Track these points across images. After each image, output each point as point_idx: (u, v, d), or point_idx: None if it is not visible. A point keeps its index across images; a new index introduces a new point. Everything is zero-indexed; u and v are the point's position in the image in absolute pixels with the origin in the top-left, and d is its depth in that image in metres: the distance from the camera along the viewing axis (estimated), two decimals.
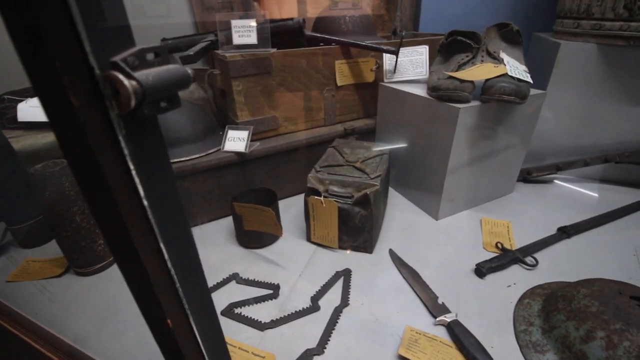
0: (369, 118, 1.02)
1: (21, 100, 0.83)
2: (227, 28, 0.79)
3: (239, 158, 0.82)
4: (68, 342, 0.55)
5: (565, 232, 0.77)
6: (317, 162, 0.77)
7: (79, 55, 0.15)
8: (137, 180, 0.19)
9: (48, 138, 0.79)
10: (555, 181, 1.01)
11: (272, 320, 0.58)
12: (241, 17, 0.79)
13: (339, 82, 0.93)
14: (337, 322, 0.58)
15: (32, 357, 0.56)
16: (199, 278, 0.28)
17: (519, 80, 0.71)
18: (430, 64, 0.88)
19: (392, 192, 0.97)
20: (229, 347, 0.52)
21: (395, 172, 0.94)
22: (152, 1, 1.15)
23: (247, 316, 0.59)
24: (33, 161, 0.68)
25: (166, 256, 0.23)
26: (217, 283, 0.67)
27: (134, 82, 0.16)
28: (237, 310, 0.61)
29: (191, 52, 0.77)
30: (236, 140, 0.82)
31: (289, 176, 0.93)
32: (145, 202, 0.20)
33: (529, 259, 0.70)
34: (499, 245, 0.73)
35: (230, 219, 0.81)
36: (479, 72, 0.73)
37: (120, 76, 0.16)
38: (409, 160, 0.89)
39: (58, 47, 0.15)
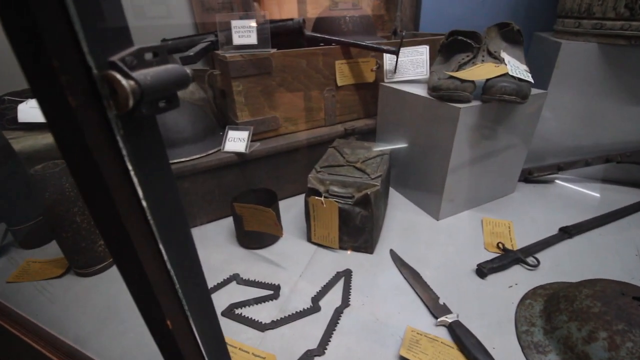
0: (370, 118, 1.02)
1: (21, 101, 0.83)
2: (227, 28, 0.79)
3: (239, 158, 0.82)
4: (68, 342, 0.55)
5: (566, 232, 0.77)
6: (317, 162, 0.77)
7: (77, 55, 0.15)
8: (135, 180, 0.19)
9: (48, 139, 0.79)
10: (557, 181, 1.01)
11: (272, 321, 0.58)
12: (241, 18, 0.78)
13: (339, 82, 0.93)
14: (337, 323, 0.58)
15: (33, 358, 0.56)
16: (198, 279, 0.28)
17: (520, 80, 0.71)
18: (431, 64, 0.88)
19: (392, 192, 0.97)
20: (229, 347, 0.52)
21: (395, 172, 0.94)
22: (152, 2, 1.15)
23: (248, 317, 0.59)
24: (33, 162, 0.68)
25: (165, 257, 0.23)
26: (218, 284, 0.67)
27: (132, 82, 0.16)
28: (238, 311, 0.61)
29: (191, 52, 0.77)
30: (236, 141, 0.82)
31: (290, 176, 0.92)
32: (144, 203, 0.20)
33: (530, 259, 0.69)
34: (500, 245, 0.73)
35: (230, 219, 0.81)
36: (480, 71, 0.73)
37: (118, 76, 0.16)
38: (409, 161, 0.89)
39: (55, 47, 0.15)
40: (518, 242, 0.75)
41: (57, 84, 0.15)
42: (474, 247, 0.75)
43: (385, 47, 0.89)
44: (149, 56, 0.18)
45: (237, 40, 0.79)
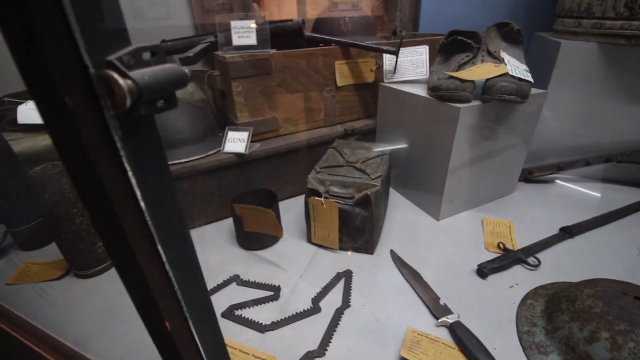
0: (369, 118, 1.01)
1: (21, 103, 0.83)
2: (227, 29, 0.79)
3: (239, 159, 0.82)
4: (68, 344, 0.55)
5: (567, 232, 0.77)
6: (317, 163, 0.77)
7: (73, 54, 0.15)
8: (133, 181, 0.19)
9: (48, 140, 0.79)
10: (557, 181, 1.00)
11: (272, 322, 0.58)
12: (241, 19, 0.78)
13: (339, 83, 0.93)
14: (338, 324, 0.58)
15: None
16: (197, 280, 0.28)
17: (520, 79, 0.71)
18: (431, 64, 0.88)
19: (392, 192, 0.97)
20: (229, 349, 0.52)
21: (395, 172, 0.94)
22: (152, 4, 1.15)
23: (248, 318, 0.59)
24: (33, 163, 0.68)
25: (164, 258, 0.22)
26: (218, 285, 0.66)
27: (129, 81, 0.16)
28: (238, 312, 0.60)
29: (191, 53, 0.77)
30: (236, 142, 0.81)
31: (289, 177, 0.92)
32: (142, 204, 0.20)
33: (531, 259, 0.69)
34: (501, 245, 0.73)
35: (230, 220, 0.81)
36: (480, 71, 0.73)
37: (115, 75, 0.16)
38: (409, 161, 0.89)
39: (51, 46, 0.15)
40: (519, 242, 0.75)
41: (53, 83, 0.15)
42: (475, 247, 0.75)
43: (384, 47, 0.89)
44: (146, 55, 0.18)
45: (236, 41, 0.79)
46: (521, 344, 0.53)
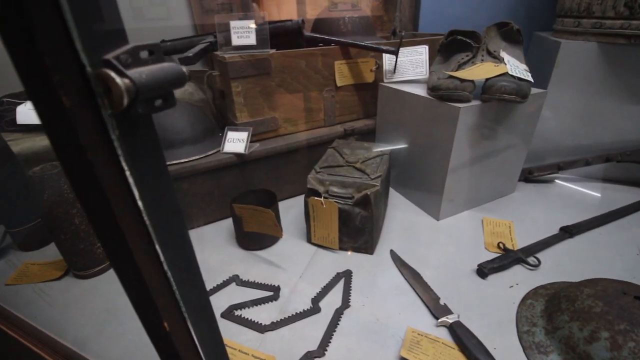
0: (369, 118, 1.01)
1: (20, 103, 0.83)
2: (226, 29, 0.79)
3: (239, 159, 0.81)
4: (67, 345, 0.55)
5: (567, 232, 0.76)
6: (317, 163, 0.77)
7: (70, 53, 0.15)
8: (131, 181, 0.19)
9: (47, 141, 0.78)
10: (557, 181, 1.00)
11: (272, 322, 0.58)
12: (240, 19, 0.78)
13: (339, 83, 0.93)
14: (338, 324, 0.58)
15: None
16: (196, 280, 0.28)
17: (520, 79, 0.71)
18: (430, 64, 0.88)
19: (392, 192, 0.97)
20: (228, 349, 0.52)
21: (395, 172, 0.94)
22: (152, 4, 1.15)
23: (247, 318, 0.59)
24: (32, 164, 0.68)
25: (162, 258, 0.22)
26: (217, 285, 0.66)
27: (126, 80, 0.16)
28: (237, 313, 0.60)
29: (190, 53, 0.77)
30: (236, 142, 0.81)
31: (289, 177, 0.92)
32: (140, 204, 0.20)
33: (531, 259, 0.69)
34: (501, 245, 0.73)
35: (230, 220, 0.81)
36: (480, 71, 0.73)
37: (113, 74, 0.16)
38: (409, 161, 0.88)
39: (48, 45, 0.14)
40: (519, 242, 0.75)
41: (50, 82, 0.15)
42: (475, 247, 0.75)
43: (384, 47, 0.88)
44: (144, 54, 0.18)
45: (236, 41, 0.79)
46: (521, 343, 0.53)
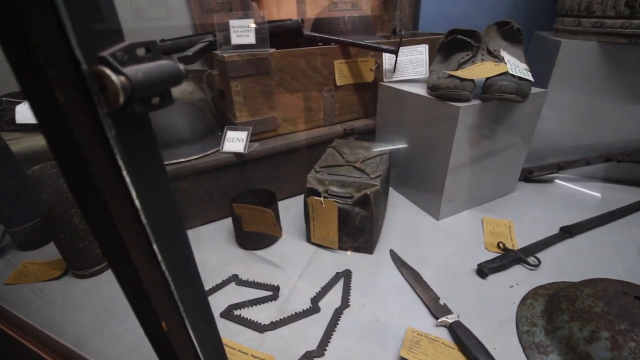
0: (369, 118, 1.01)
1: (19, 102, 0.83)
2: (226, 29, 0.79)
3: (238, 159, 0.81)
4: (66, 344, 0.55)
5: (567, 232, 0.76)
6: (316, 162, 0.77)
7: (65, 48, 0.15)
8: (128, 180, 0.19)
9: None
10: (557, 180, 1.00)
11: (271, 322, 0.58)
12: (240, 18, 0.78)
13: (338, 82, 0.93)
14: (337, 324, 0.57)
15: None
16: (194, 280, 0.27)
17: (520, 78, 0.70)
18: (430, 63, 0.87)
19: (392, 192, 0.97)
20: (228, 349, 0.52)
21: (395, 172, 0.93)
22: (151, 3, 1.15)
23: (247, 318, 0.59)
24: (31, 163, 0.67)
25: (160, 258, 0.22)
26: (216, 285, 0.66)
27: (122, 78, 0.16)
28: (237, 312, 0.60)
29: (189, 52, 0.77)
30: (235, 141, 0.81)
31: (289, 177, 0.92)
32: (137, 203, 0.20)
33: (531, 259, 0.69)
34: (501, 245, 0.72)
35: (229, 220, 0.81)
36: (480, 70, 0.73)
37: (108, 71, 0.15)
38: (409, 160, 0.88)
39: (42, 40, 0.14)
40: (519, 242, 0.74)
41: (44, 77, 0.15)
42: (475, 247, 0.75)
43: (384, 47, 0.88)
44: (140, 52, 0.18)
45: (235, 40, 0.78)
46: (521, 344, 0.53)
